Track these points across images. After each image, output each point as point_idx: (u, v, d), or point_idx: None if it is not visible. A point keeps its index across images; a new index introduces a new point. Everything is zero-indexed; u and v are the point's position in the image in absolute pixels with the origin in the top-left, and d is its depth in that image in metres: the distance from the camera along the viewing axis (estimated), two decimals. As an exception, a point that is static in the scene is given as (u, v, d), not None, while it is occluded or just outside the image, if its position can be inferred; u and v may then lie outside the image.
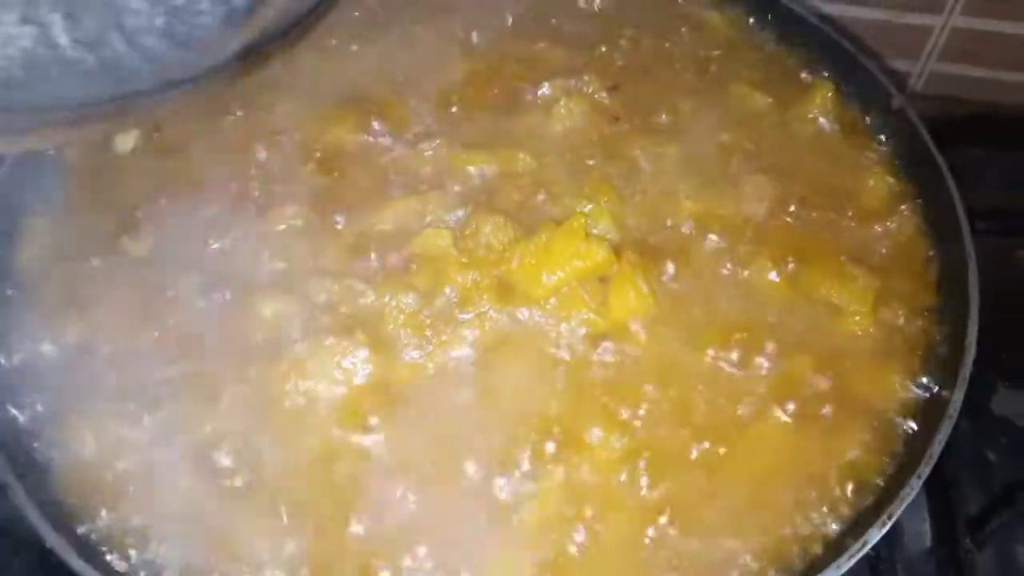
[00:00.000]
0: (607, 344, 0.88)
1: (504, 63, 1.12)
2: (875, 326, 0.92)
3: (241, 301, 0.89)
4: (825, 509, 0.82)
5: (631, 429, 0.84)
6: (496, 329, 0.88)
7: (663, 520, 0.80)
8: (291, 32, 0.57)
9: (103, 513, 0.79)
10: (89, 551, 0.76)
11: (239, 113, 1.03)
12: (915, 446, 0.84)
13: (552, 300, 0.89)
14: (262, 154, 1.00)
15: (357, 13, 1.18)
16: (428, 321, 0.88)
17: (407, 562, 0.77)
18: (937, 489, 0.96)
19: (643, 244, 0.94)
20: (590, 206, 0.95)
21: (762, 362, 0.88)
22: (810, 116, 1.09)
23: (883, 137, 1.08)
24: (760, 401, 0.86)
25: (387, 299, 0.89)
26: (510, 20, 1.17)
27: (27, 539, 0.75)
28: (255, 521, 0.78)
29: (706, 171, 1.02)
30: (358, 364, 0.85)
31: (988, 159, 1.27)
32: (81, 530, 0.78)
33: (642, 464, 0.82)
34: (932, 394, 0.88)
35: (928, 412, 0.86)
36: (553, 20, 1.18)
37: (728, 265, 0.94)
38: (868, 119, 1.10)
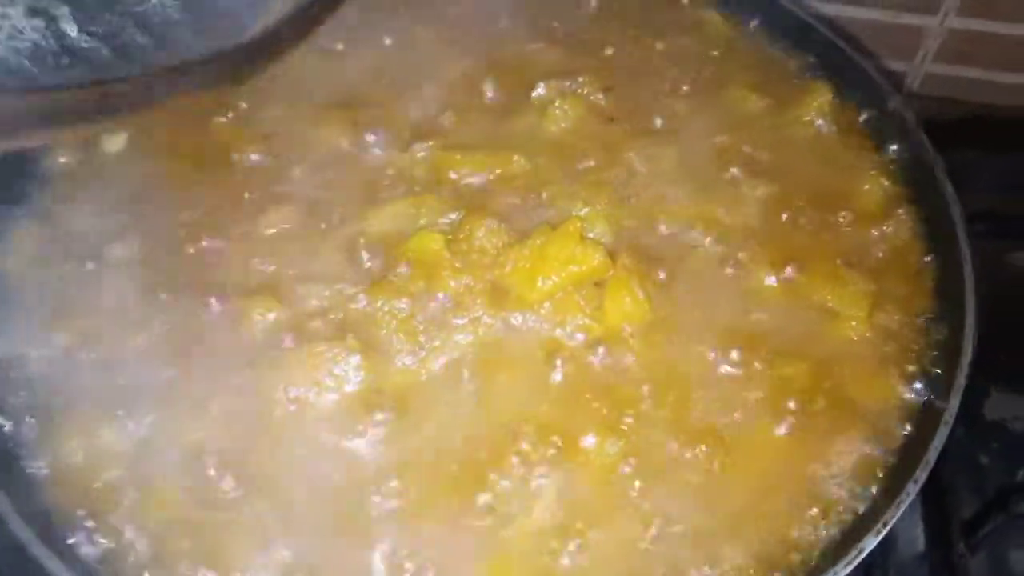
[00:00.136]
0: (602, 349, 0.87)
1: (498, 64, 1.11)
2: (871, 331, 0.91)
3: (231, 306, 0.88)
4: (821, 515, 0.81)
5: (626, 435, 0.83)
6: (490, 334, 0.87)
7: (658, 527, 0.79)
8: (306, 19, 0.56)
9: (89, 523, 0.78)
10: (75, 561, 0.75)
11: (230, 115, 1.02)
12: (911, 452, 0.83)
13: (547, 305, 0.88)
14: (253, 156, 0.99)
15: (351, 14, 1.17)
16: (421, 326, 0.87)
17: (400, 570, 0.76)
18: (931, 494, 0.95)
19: (639, 248, 0.93)
20: (585, 209, 0.95)
21: (758, 367, 0.88)
22: (807, 118, 1.08)
23: (879, 139, 1.08)
24: (756, 407, 0.86)
25: (379, 304, 0.88)
26: (504, 21, 1.16)
27: (11, 548, 0.74)
28: (245, 529, 0.78)
29: (702, 174, 1.01)
30: (350, 370, 0.84)
31: (983, 161, 1.26)
32: (67, 540, 0.77)
33: (637, 470, 0.81)
34: (928, 399, 0.87)
35: (924, 417, 0.86)
36: (548, 21, 1.17)
37: (724, 269, 0.94)
38: (865, 121, 1.09)
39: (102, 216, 0.94)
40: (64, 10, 0.48)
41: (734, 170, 1.02)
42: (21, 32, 0.48)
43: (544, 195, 0.97)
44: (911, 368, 0.90)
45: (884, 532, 0.76)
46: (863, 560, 0.75)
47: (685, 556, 0.78)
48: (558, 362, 0.86)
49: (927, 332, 0.92)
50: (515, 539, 0.78)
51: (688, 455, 0.83)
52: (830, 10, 1.41)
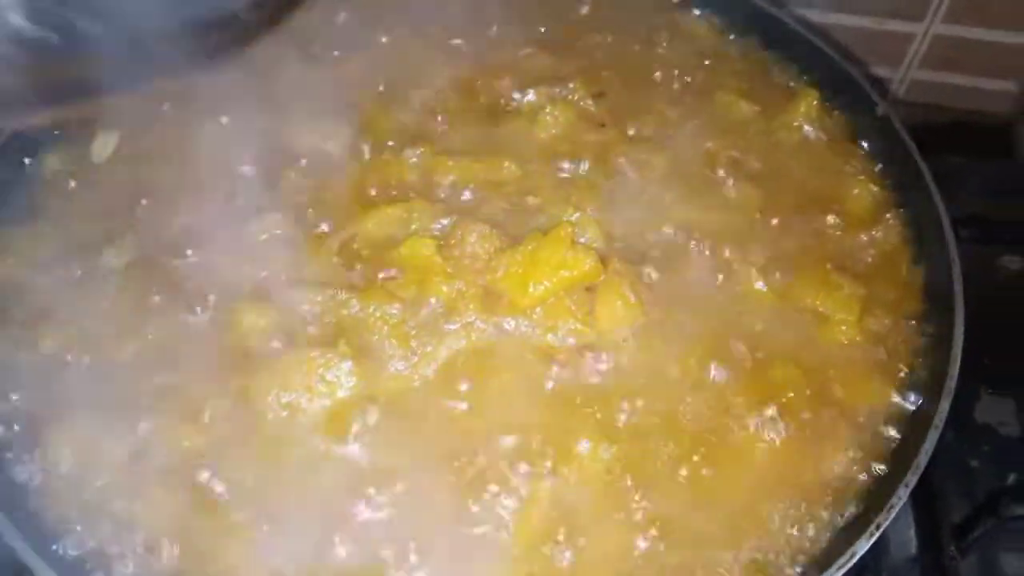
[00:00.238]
0: (594, 354, 0.87)
1: (489, 70, 1.11)
2: (861, 335, 0.92)
3: (223, 312, 0.88)
4: (812, 519, 0.81)
5: (619, 440, 0.83)
6: (482, 339, 0.87)
7: (651, 532, 0.79)
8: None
9: (81, 529, 0.77)
10: (66, 568, 0.74)
11: (223, 120, 1.02)
12: (901, 455, 0.84)
13: (538, 310, 0.88)
14: (244, 162, 0.98)
15: (341, 20, 1.17)
16: (413, 331, 0.87)
17: (392, 576, 0.76)
18: (922, 497, 0.96)
19: (630, 253, 0.94)
20: (576, 215, 0.95)
21: (749, 372, 0.88)
22: (795, 124, 1.09)
23: (867, 145, 1.09)
24: (747, 411, 0.86)
25: (371, 309, 0.87)
26: (495, 27, 1.17)
27: (2, 556, 0.73)
28: (238, 535, 0.77)
29: (692, 179, 1.02)
30: (342, 376, 0.83)
31: (969, 166, 1.27)
32: (58, 547, 0.76)
33: (630, 475, 0.81)
34: (918, 403, 0.88)
35: (914, 421, 0.86)
36: (538, 27, 1.18)
37: (715, 274, 0.94)
38: (853, 127, 1.10)
39: (93, 222, 0.94)
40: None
41: (724, 175, 1.03)
42: None
43: (535, 200, 0.97)
44: (901, 372, 0.90)
45: (876, 536, 0.76)
46: (855, 564, 0.75)
47: (678, 561, 0.78)
48: (550, 367, 0.86)
49: (917, 336, 0.93)
50: (509, 544, 0.78)
51: (680, 460, 0.83)
52: (817, 17, 1.42)
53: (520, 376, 0.86)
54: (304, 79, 1.07)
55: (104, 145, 1.01)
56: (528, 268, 0.88)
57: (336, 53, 1.13)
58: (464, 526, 0.78)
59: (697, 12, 1.23)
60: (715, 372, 0.88)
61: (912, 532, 0.98)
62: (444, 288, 0.88)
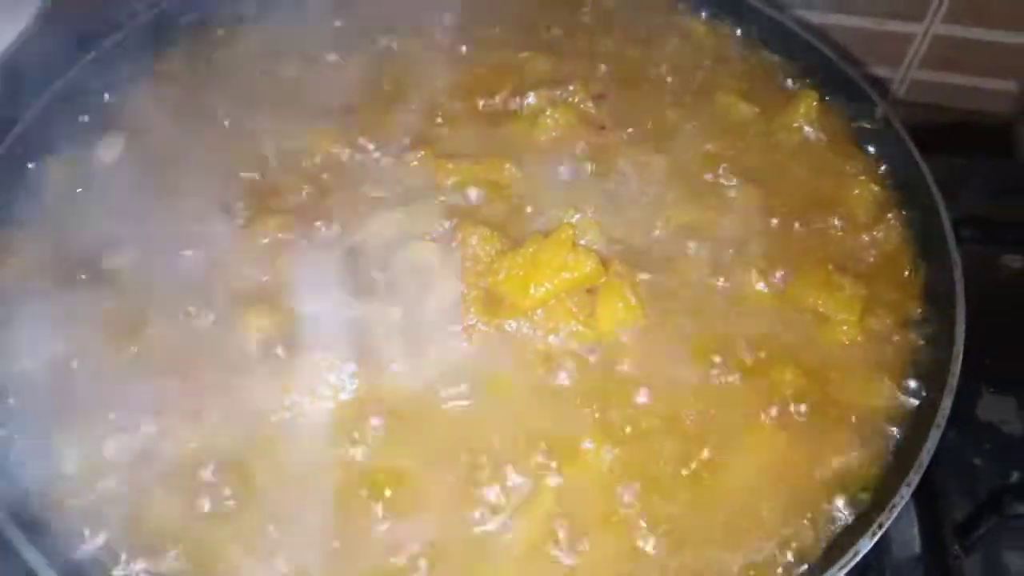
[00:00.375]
0: (596, 356, 0.88)
1: (489, 73, 1.12)
2: (862, 335, 0.92)
3: (226, 315, 0.88)
4: (815, 519, 0.81)
5: (621, 441, 0.83)
6: (484, 341, 0.88)
7: (654, 532, 0.79)
8: None
9: (85, 532, 0.78)
10: (70, 571, 0.74)
11: (226, 123, 1.03)
12: (903, 454, 0.84)
13: (539, 312, 0.88)
14: (247, 165, 0.99)
15: (341, 23, 1.17)
16: (415, 334, 0.87)
17: (397, 578, 0.76)
18: (924, 496, 0.96)
19: (630, 255, 0.94)
20: (577, 216, 0.95)
21: (750, 372, 0.88)
22: (795, 125, 1.09)
23: (868, 145, 1.09)
24: (749, 411, 0.86)
25: (373, 312, 0.88)
26: (496, 30, 1.17)
27: (7, 559, 0.73)
28: (241, 538, 0.77)
29: (692, 181, 1.02)
30: (344, 379, 0.84)
31: (970, 166, 1.27)
32: (63, 550, 0.76)
33: (632, 476, 0.82)
34: (920, 402, 0.88)
35: (916, 420, 0.86)
36: (540, 30, 1.18)
37: (715, 275, 0.94)
38: (853, 128, 1.10)
39: (97, 226, 0.94)
40: None
41: (724, 177, 1.03)
42: None
43: (536, 203, 0.98)
44: (903, 371, 0.90)
45: (879, 535, 0.76)
46: (858, 563, 0.75)
47: (681, 561, 0.78)
48: (552, 369, 0.87)
49: (918, 336, 0.93)
50: (513, 546, 0.78)
51: (682, 460, 0.83)
52: (817, 18, 1.42)
53: (522, 378, 0.86)
54: (305, 81, 1.08)
55: (109, 148, 1.02)
56: (529, 270, 0.88)
57: (336, 55, 1.13)
58: (467, 527, 0.79)
59: (697, 14, 1.23)
60: (716, 372, 0.88)
61: (915, 531, 0.98)
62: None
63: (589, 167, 1.02)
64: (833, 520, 0.81)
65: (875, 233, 1.00)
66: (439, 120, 1.06)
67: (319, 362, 0.84)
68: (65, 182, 1.00)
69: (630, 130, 1.07)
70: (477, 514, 0.79)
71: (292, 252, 0.93)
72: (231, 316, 0.88)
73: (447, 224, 0.94)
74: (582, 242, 0.92)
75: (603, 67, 1.14)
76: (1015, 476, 1.04)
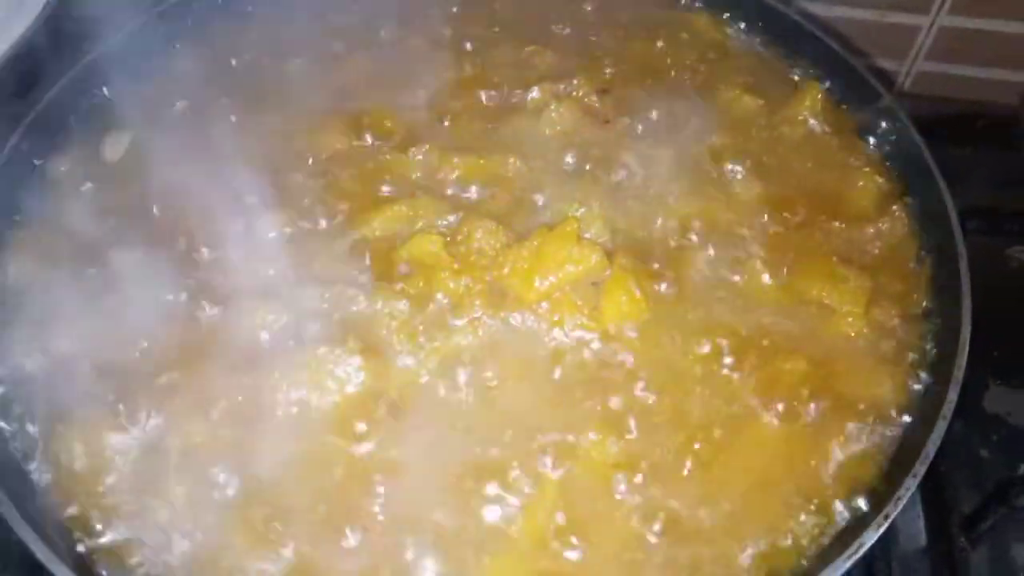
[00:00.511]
0: (600, 349, 0.88)
1: (494, 67, 1.12)
2: (868, 327, 0.92)
3: (232, 310, 0.88)
4: (821, 511, 0.81)
5: (626, 433, 0.83)
6: (489, 335, 0.88)
7: (659, 526, 0.79)
8: None
9: (94, 526, 0.78)
10: (79, 564, 0.75)
11: (232, 119, 1.03)
12: (909, 446, 0.83)
13: (544, 305, 0.88)
14: (253, 161, 0.99)
15: (346, 19, 1.18)
16: (421, 327, 0.87)
17: (401, 573, 0.76)
18: (931, 488, 0.96)
19: (635, 248, 0.94)
20: (582, 210, 0.95)
21: (756, 364, 0.88)
22: (800, 118, 1.09)
23: (873, 137, 1.09)
24: (754, 404, 0.86)
25: (379, 306, 0.88)
26: (499, 24, 1.17)
27: (16, 553, 0.74)
28: (249, 532, 0.78)
29: (697, 174, 1.02)
30: (350, 372, 0.84)
31: (976, 158, 1.27)
32: (70, 543, 0.77)
33: (637, 468, 0.82)
34: (925, 394, 0.88)
35: (922, 412, 0.86)
36: (544, 24, 1.18)
37: (720, 268, 0.94)
38: (858, 119, 1.10)
39: (103, 222, 0.95)
40: None
41: (729, 170, 1.03)
42: None
43: (541, 196, 0.98)
44: (909, 363, 0.90)
45: (884, 527, 0.76)
46: (864, 555, 0.75)
47: (686, 553, 0.78)
48: (556, 362, 0.87)
49: (924, 328, 0.93)
50: (517, 539, 0.78)
51: (688, 453, 0.83)
52: (821, 10, 1.42)
53: (527, 370, 0.86)
54: (311, 77, 1.08)
55: (116, 145, 1.02)
56: (534, 263, 0.88)
57: (342, 51, 1.13)
58: (472, 520, 0.79)
59: (700, 7, 1.23)
60: (721, 365, 0.88)
61: (921, 523, 0.98)
62: (451, 284, 0.89)
63: (593, 161, 1.02)
64: (839, 512, 0.81)
65: (880, 225, 1.00)
66: (443, 114, 1.06)
67: (325, 356, 0.84)
68: (73, 178, 1.00)
69: (634, 124, 1.07)
70: (481, 508, 0.79)
71: (298, 246, 0.93)
72: (237, 310, 0.88)
73: (452, 218, 0.95)
74: (587, 235, 0.92)
75: (607, 61, 1.14)
76: (1022, 468, 1.03)
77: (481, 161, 1.00)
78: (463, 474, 0.81)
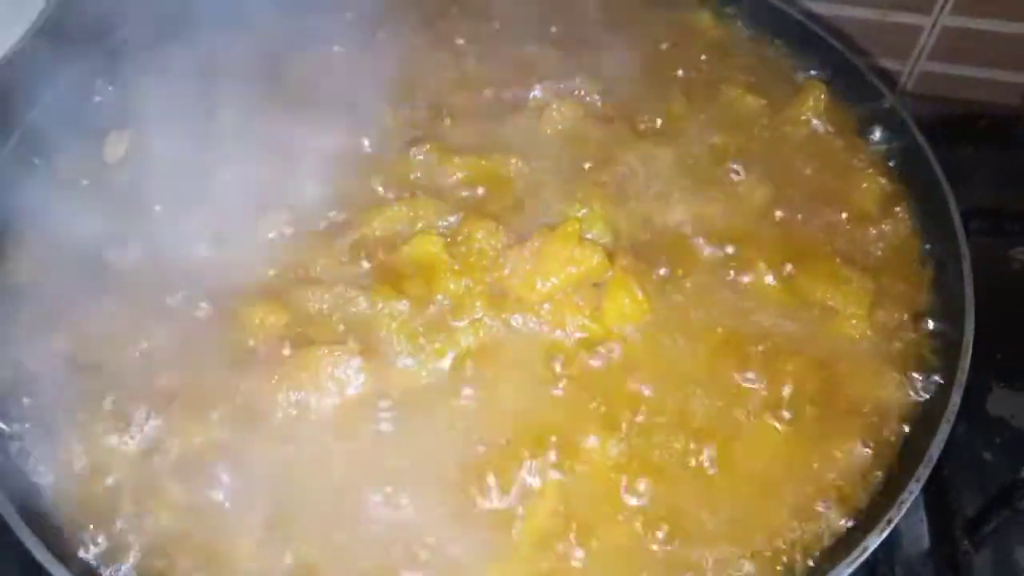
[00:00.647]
0: (602, 350, 0.87)
1: (495, 67, 1.11)
2: (871, 328, 0.91)
3: (231, 311, 0.88)
4: (824, 514, 0.81)
5: (628, 435, 0.83)
6: (490, 336, 0.88)
7: (661, 528, 0.79)
8: None
9: (93, 527, 0.78)
10: (78, 567, 0.75)
11: (233, 119, 1.02)
12: (913, 449, 0.83)
13: (546, 306, 0.88)
14: (253, 160, 0.99)
15: (348, 17, 1.17)
16: (421, 329, 0.87)
17: (401, 573, 0.76)
18: (934, 491, 0.95)
19: (637, 249, 0.94)
20: (583, 210, 0.95)
21: (758, 366, 0.87)
22: (802, 118, 1.09)
23: (875, 138, 1.08)
24: (757, 406, 0.85)
25: (379, 307, 0.88)
26: (500, 24, 1.17)
27: (15, 554, 0.74)
28: (248, 533, 0.77)
29: (699, 174, 1.02)
30: (351, 373, 0.84)
31: (979, 158, 1.27)
32: (70, 544, 0.77)
33: (639, 471, 0.81)
34: (929, 396, 0.87)
35: (925, 414, 0.86)
36: (545, 24, 1.18)
37: (723, 269, 0.94)
38: (860, 120, 1.10)
39: (103, 222, 0.94)
40: None
41: (731, 170, 1.03)
42: None
43: (542, 197, 0.97)
44: (912, 365, 0.90)
45: (888, 530, 0.76)
46: (868, 558, 0.75)
47: (689, 556, 0.78)
48: (558, 363, 0.87)
49: (927, 329, 0.92)
50: (518, 542, 0.78)
51: (690, 455, 0.83)
52: (824, 9, 1.41)
53: (528, 372, 0.86)
54: (310, 77, 1.08)
55: (116, 145, 1.02)
56: (535, 264, 0.88)
57: (342, 50, 1.13)
58: (473, 522, 0.78)
59: (703, 6, 1.23)
60: (723, 367, 0.87)
61: (925, 526, 0.97)
62: (451, 285, 0.89)
63: (595, 161, 1.01)
64: (842, 515, 0.81)
65: (883, 226, 0.99)
66: (444, 114, 1.06)
67: (325, 357, 0.83)
68: (73, 178, 1.00)
69: (636, 123, 1.06)
70: (484, 510, 0.79)
71: (298, 247, 0.93)
72: (237, 311, 0.88)
73: (452, 218, 0.94)
74: (588, 236, 0.92)
75: (609, 61, 1.13)
76: (1026, 471, 1.03)
77: (482, 161, 1.00)
78: (463, 476, 0.80)
